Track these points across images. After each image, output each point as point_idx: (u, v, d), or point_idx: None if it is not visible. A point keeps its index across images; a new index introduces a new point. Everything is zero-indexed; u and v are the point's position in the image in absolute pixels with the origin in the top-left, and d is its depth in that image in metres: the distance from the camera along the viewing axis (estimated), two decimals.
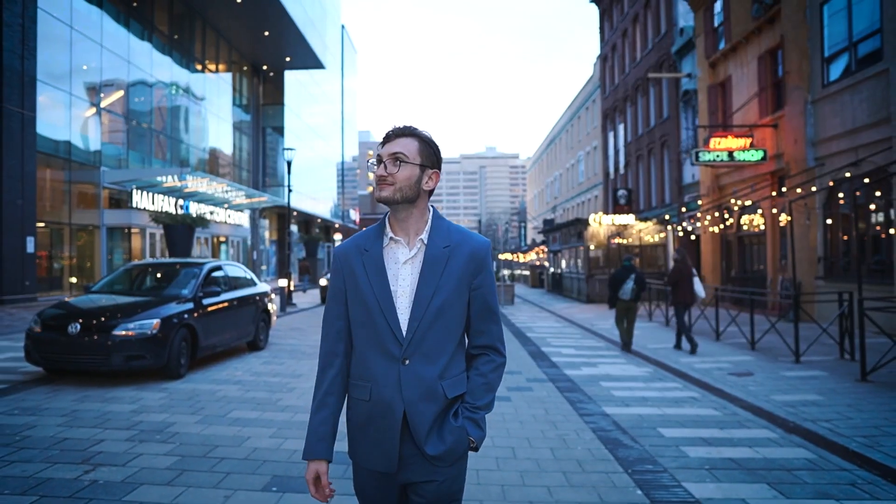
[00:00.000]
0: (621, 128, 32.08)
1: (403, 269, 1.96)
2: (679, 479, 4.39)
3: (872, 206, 12.88)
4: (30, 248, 19.13)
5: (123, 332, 7.34)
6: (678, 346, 11.22)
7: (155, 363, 7.49)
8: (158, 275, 9.47)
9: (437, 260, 1.95)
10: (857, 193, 12.81)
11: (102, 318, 7.52)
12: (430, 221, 2.01)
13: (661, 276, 23.65)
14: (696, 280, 11.30)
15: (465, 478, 2.01)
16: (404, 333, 1.91)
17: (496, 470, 4.54)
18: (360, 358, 1.98)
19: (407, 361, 1.91)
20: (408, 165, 1.94)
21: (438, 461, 1.92)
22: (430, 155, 2.00)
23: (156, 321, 7.54)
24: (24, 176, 18.94)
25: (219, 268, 9.59)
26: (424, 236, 1.98)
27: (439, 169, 2.03)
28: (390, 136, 1.98)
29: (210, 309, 8.72)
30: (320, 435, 1.97)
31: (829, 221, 14.06)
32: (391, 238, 1.98)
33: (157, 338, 7.46)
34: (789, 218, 13.64)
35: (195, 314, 8.28)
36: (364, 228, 2.10)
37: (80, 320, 7.42)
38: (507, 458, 4.84)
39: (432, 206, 2.05)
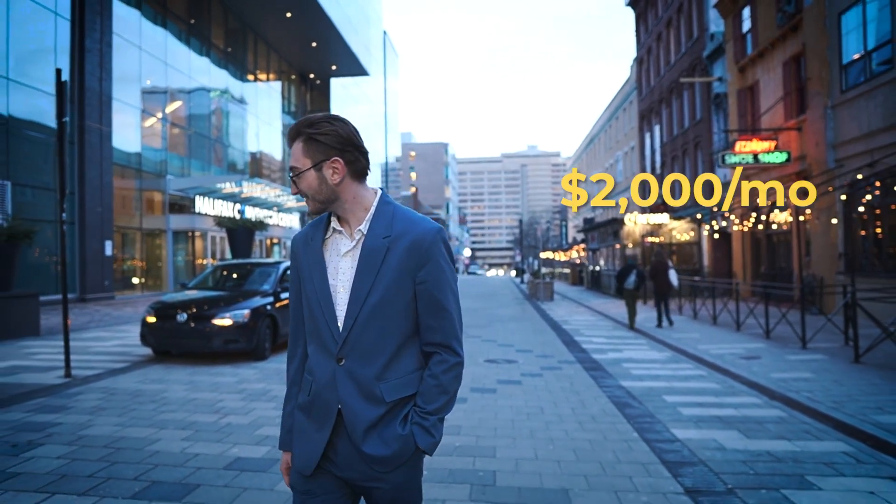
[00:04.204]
0: (657, 129, 32.87)
1: (343, 261, 1.85)
2: (669, 427, 5.65)
3: (893, 206, 13.70)
4: (108, 251, 21.14)
5: (221, 321, 8.90)
6: (660, 324, 14.26)
7: (247, 346, 9.04)
8: (241, 273, 11.04)
9: (374, 253, 1.80)
10: (877, 190, 13.67)
11: (203, 309, 9.09)
12: (373, 209, 1.86)
13: (695, 273, 24.60)
14: (672, 272, 14.05)
15: (419, 486, 1.89)
16: (341, 331, 1.80)
17: (527, 420, 5.86)
18: (310, 352, 1.90)
19: (342, 361, 1.79)
20: (302, 175, 1.82)
21: (378, 464, 1.78)
22: (319, 146, 1.80)
23: (247, 311, 9.08)
24: (102, 186, 20.97)
25: None
26: (364, 226, 1.84)
27: (339, 150, 1.81)
28: (290, 143, 1.86)
29: (286, 302, 10.23)
30: (288, 427, 1.96)
31: (834, 221, 14.97)
32: (334, 229, 1.89)
33: (248, 325, 9.00)
34: (804, 217, 14.59)
35: (275, 305, 9.80)
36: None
37: (186, 310, 9.01)
38: (536, 413, 6.16)
39: (381, 189, 1.92)
